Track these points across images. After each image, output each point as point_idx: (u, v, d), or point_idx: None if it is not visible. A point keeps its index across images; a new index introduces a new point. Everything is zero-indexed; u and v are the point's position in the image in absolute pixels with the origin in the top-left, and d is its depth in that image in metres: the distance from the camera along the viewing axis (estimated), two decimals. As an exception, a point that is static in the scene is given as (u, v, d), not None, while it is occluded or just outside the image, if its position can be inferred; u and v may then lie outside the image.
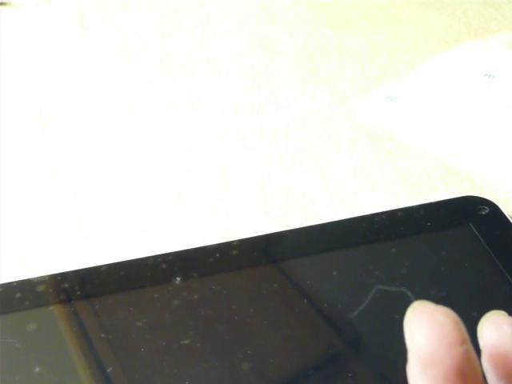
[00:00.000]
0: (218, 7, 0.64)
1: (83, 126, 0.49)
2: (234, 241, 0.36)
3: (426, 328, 0.19)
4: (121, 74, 0.55)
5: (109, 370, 0.30)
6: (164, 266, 0.35)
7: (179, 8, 0.64)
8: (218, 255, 0.35)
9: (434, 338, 0.19)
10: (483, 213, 0.37)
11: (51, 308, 0.33)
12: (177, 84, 0.53)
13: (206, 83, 0.53)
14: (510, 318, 0.21)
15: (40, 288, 0.34)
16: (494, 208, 0.37)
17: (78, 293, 0.34)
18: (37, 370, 0.30)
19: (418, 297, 0.32)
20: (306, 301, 0.33)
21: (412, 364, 0.19)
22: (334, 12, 0.62)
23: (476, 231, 0.36)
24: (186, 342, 0.31)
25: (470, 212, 0.37)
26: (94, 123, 0.49)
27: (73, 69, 0.56)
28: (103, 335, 0.32)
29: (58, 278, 0.34)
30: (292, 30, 0.59)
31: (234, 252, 0.35)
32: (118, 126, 0.49)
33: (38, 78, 0.55)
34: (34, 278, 0.34)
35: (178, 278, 0.34)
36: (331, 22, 0.60)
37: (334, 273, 0.34)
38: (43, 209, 0.41)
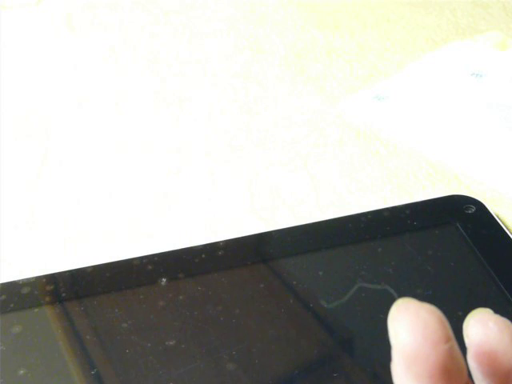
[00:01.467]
0: (206, 8, 0.64)
1: (71, 127, 0.49)
2: (220, 241, 0.36)
3: (409, 325, 0.19)
4: (109, 75, 0.55)
5: (94, 371, 0.30)
6: (150, 267, 0.35)
7: (167, 9, 0.64)
8: (204, 256, 0.35)
9: (418, 336, 0.19)
10: (470, 212, 0.37)
11: (36, 310, 0.33)
12: (165, 85, 0.53)
13: (194, 84, 0.53)
14: (495, 315, 0.21)
15: (25, 290, 0.34)
16: (480, 207, 0.37)
17: (64, 295, 0.34)
18: (21, 372, 0.30)
19: (404, 295, 0.32)
20: (292, 300, 0.33)
21: (396, 361, 0.19)
22: (323, 12, 0.62)
23: (462, 230, 0.36)
24: (172, 343, 0.31)
25: (457, 211, 0.37)
26: (81, 124, 0.49)
27: (61, 70, 0.56)
28: (89, 337, 0.32)
29: (44, 279, 0.34)
30: (280, 31, 0.59)
31: (220, 252, 0.35)
32: (105, 127, 0.49)
33: (26, 79, 0.55)
34: (19, 280, 0.34)
35: (164, 279, 0.34)
36: (319, 22, 0.60)
37: (320, 272, 0.34)
38: (28, 210, 0.41)
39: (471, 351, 0.21)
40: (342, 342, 0.31)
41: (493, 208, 0.38)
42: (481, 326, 0.21)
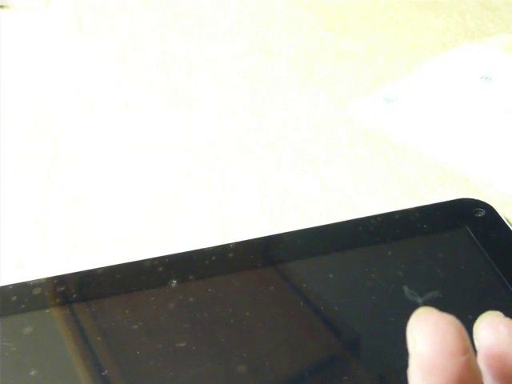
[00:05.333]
0: (215, 9, 0.64)
1: (81, 128, 0.49)
2: (231, 243, 0.36)
3: (428, 336, 0.19)
4: (119, 76, 0.55)
5: (104, 373, 0.30)
6: (160, 268, 0.35)
7: (177, 10, 0.64)
8: (214, 258, 0.35)
9: (436, 347, 0.19)
10: (479, 215, 0.37)
11: (47, 311, 0.33)
12: (174, 86, 0.53)
13: (204, 85, 0.53)
14: (506, 318, 0.21)
15: (36, 291, 0.34)
16: (490, 210, 0.37)
17: (74, 296, 0.34)
18: (32, 373, 0.30)
19: (414, 299, 0.32)
20: (302, 303, 0.33)
21: (413, 369, 0.19)
22: (332, 14, 0.62)
23: (472, 233, 0.36)
24: (182, 344, 0.31)
25: (467, 214, 0.37)
26: (91, 125, 0.49)
27: (71, 71, 0.56)
28: (99, 338, 0.32)
29: (54, 281, 0.34)
30: (289, 33, 0.59)
31: (231, 255, 0.35)
32: (115, 128, 0.49)
33: (37, 80, 0.55)
34: (30, 281, 0.34)
35: (175, 281, 0.34)
36: (329, 24, 0.60)
37: (331, 275, 0.34)
38: (39, 212, 0.41)
39: (481, 354, 0.21)
40: (353, 344, 0.32)
41: (503, 211, 0.38)
42: (491, 328, 0.21)
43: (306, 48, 0.57)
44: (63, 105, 0.52)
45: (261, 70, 0.55)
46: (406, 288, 0.33)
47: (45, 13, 0.65)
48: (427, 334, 0.19)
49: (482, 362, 0.21)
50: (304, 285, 0.34)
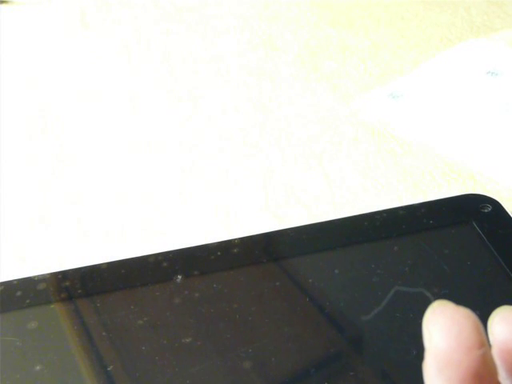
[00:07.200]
0: (219, 5, 0.63)
1: (84, 125, 0.49)
2: (236, 239, 0.36)
3: (444, 329, 0.19)
4: (122, 72, 0.55)
5: (110, 368, 0.30)
6: (165, 264, 0.35)
7: (181, 6, 0.64)
8: (219, 253, 0.35)
9: (452, 340, 0.19)
10: (486, 211, 0.37)
11: (52, 306, 0.33)
12: (179, 82, 0.53)
13: (208, 81, 0.53)
14: None
15: (41, 286, 0.34)
16: (496, 206, 0.37)
17: (79, 291, 0.34)
18: (37, 368, 0.30)
19: (420, 294, 0.32)
20: (307, 299, 0.33)
21: (428, 363, 0.19)
22: (337, 10, 0.62)
23: (478, 229, 0.36)
24: (188, 340, 0.31)
25: (473, 210, 0.37)
26: (94, 122, 0.49)
27: (74, 67, 0.56)
28: (104, 333, 0.32)
29: (59, 276, 0.34)
30: (294, 28, 0.59)
31: (236, 250, 0.35)
32: (119, 125, 0.49)
33: (39, 76, 0.55)
34: (35, 276, 0.34)
35: (180, 276, 0.34)
36: (334, 20, 0.60)
37: (336, 271, 0.34)
38: (44, 207, 0.41)
39: (495, 349, 0.21)
40: (358, 340, 0.31)
41: (509, 207, 0.37)
42: (505, 323, 0.21)
43: (311, 44, 0.57)
44: (67, 100, 0.52)
45: (265, 65, 0.55)
46: (412, 284, 0.33)
47: (48, 8, 0.64)
48: (443, 327, 0.19)
49: (496, 357, 0.21)
50: (309, 280, 0.34)
